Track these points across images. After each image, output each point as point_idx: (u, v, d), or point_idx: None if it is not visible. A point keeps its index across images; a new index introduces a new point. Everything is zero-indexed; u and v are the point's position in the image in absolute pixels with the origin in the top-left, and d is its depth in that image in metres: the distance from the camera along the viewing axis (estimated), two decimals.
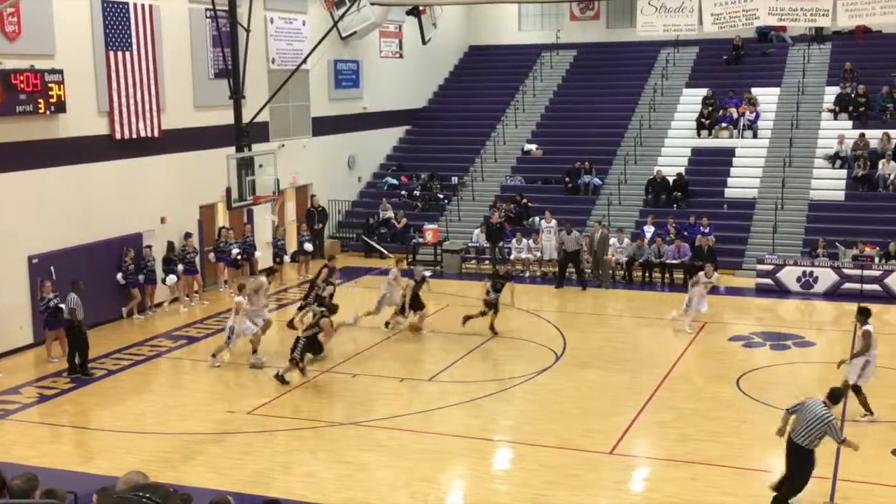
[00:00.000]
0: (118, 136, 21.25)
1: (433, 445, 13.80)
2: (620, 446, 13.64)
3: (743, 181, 28.61)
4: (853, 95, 30.10)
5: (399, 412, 15.14)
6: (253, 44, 20.70)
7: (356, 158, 31.49)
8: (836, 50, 32.69)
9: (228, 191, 18.74)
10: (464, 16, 37.88)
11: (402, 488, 12.38)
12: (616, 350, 18.93)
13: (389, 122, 33.55)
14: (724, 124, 30.65)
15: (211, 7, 21.12)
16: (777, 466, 13.15)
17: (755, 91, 31.52)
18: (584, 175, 29.77)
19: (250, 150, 19.33)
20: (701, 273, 20.63)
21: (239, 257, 24.20)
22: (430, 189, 31.06)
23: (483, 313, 19.70)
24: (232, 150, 19.17)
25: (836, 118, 30.03)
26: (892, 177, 26.97)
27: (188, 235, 22.94)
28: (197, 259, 22.99)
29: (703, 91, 31.87)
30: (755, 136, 30.20)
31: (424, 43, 31.95)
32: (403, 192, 31.12)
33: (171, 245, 22.43)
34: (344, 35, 29.29)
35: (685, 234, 25.77)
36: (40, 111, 19.02)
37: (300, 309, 19.27)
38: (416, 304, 19.89)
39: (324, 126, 29.15)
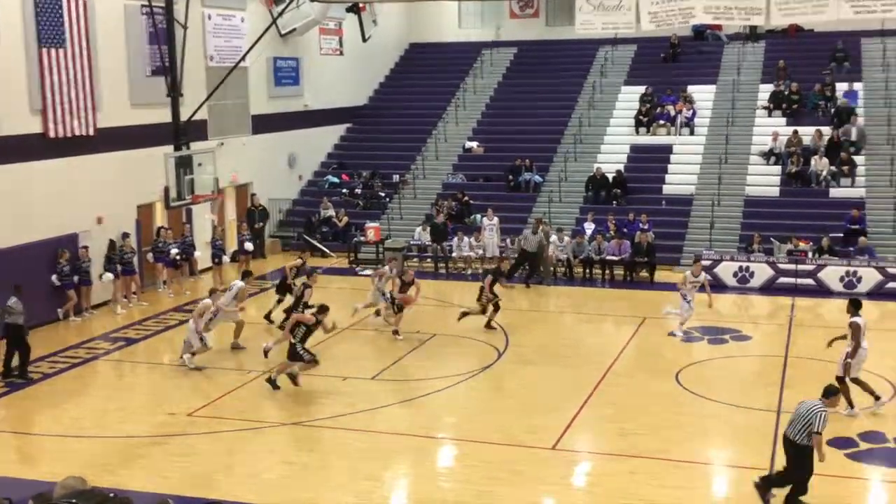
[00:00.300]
0: (52, 134, 20.82)
1: (377, 444, 13.79)
2: (563, 441, 13.76)
3: (680, 178, 29.03)
4: (787, 93, 30.72)
5: (342, 411, 15.09)
6: (190, 41, 20.49)
7: (297, 157, 31.29)
8: (770, 48, 33.33)
9: (167, 190, 18.53)
10: (404, 13, 37.85)
11: (345, 487, 12.34)
12: (558, 346, 19.09)
13: (330, 120, 33.40)
14: (661, 122, 31.07)
15: (147, 3, 20.82)
16: (716, 459, 13.44)
17: (692, 88, 32.00)
18: (524, 172, 29.96)
19: (189, 148, 19.13)
20: (688, 272, 20.37)
21: (178, 257, 23.89)
22: (371, 187, 30.99)
23: (483, 310, 19.85)
24: (170, 148, 18.95)
25: (770, 115, 30.63)
26: (823, 173, 27.58)
27: (126, 235, 22.59)
28: (135, 259, 22.64)
29: (642, 89, 32.29)
30: (692, 133, 30.67)
31: (365, 40, 31.86)
32: (345, 191, 31.00)
33: (112, 243, 22.07)
34: (283, 32, 29.08)
35: (625, 230, 26.07)
36: None
37: (279, 302, 19.81)
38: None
39: (264, 124, 28.90)
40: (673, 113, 31.13)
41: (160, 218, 24.34)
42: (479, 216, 27.74)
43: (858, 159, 27.94)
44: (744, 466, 12.79)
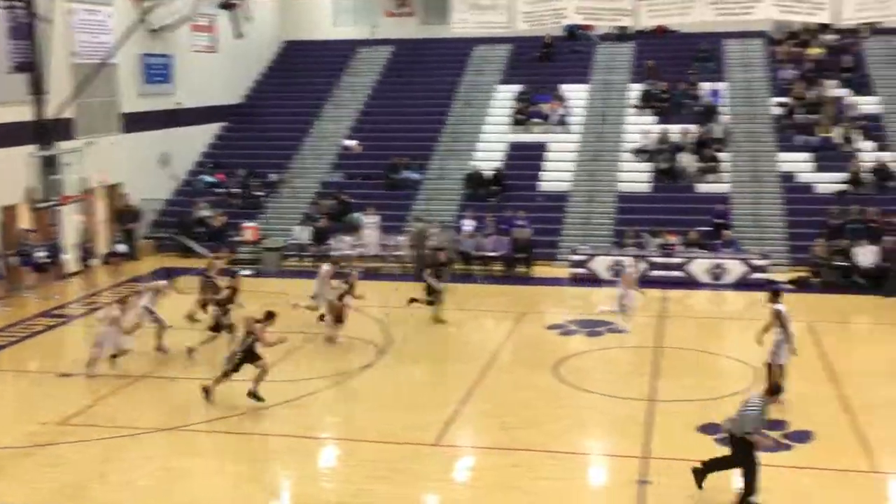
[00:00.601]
0: None
1: (257, 447, 13.62)
2: (444, 437, 13.86)
3: (556, 175, 29.59)
4: (655, 92, 31.68)
5: (222, 415, 14.82)
6: (55, 36, 19.73)
7: (170, 156, 30.54)
8: (640, 48, 34.28)
9: (31, 191, 17.83)
10: (278, 10, 37.42)
11: (226, 492, 12.14)
12: (438, 343, 19.21)
13: (205, 119, 32.72)
14: (536, 120, 31.61)
15: None
16: (593, 449, 13.77)
17: (566, 87, 32.65)
18: (403, 170, 30.02)
19: (55, 148, 18.44)
20: (629, 269, 20.56)
21: (45, 261, 23.00)
22: (248, 187, 30.50)
23: (431, 302, 19.97)
24: (34, 148, 18.24)
25: (640, 113, 31.52)
26: (690, 169, 28.57)
27: None
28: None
29: (517, 87, 32.77)
30: (566, 130, 31.29)
31: (238, 37, 31.35)
32: (221, 190, 30.44)
33: None
34: (153, 28, 28.34)
35: (503, 227, 26.42)
36: None
37: (203, 306, 19.39)
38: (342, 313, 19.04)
39: (135, 122, 28.08)
40: (547, 111, 31.70)
41: (25, 220, 23.37)
42: (358, 215, 27.66)
43: (723, 156, 29.06)
44: (620, 455, 13.19)
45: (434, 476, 12.63)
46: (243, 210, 29.42)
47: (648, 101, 31.61)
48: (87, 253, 24.21)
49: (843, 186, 27.10)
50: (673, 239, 25.28)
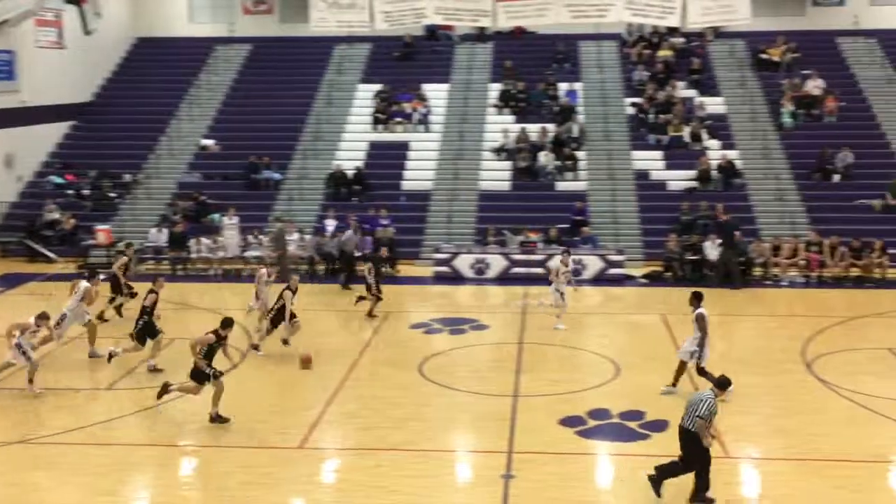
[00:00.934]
0: None
1: (115, 458, 13.09)
2: (309, 440, 13.71)
3: (418, 174, 29.71)
4: (514, 92, 32.20)
5: (75, 425, 14.22)
6: None
7: (14, 156, 29.16)
8: (499, 49, 34.77)
9: None
10: (130, 6, 36.26)
11: None
12: (303, 344, 18.96)
13: (52, 117, 31.40)
14: (398, 119, 31.64)
15: None
16: (458, 445, 13.87)
17: (427, 87, 32.81)
18: (263, 170, 29.55)
19: None
20: (557, 264, 20.39)
21: None
22: (100, 188, 29.41)
23: (377, 298, 20.38)
24: None
25: (500, 113, 31.98)
26: (549, 167, 29.17)
27: None
28: None
29: (378, 86, 32.74)
30: (428, 130, 31.46)
31: (87, 33, 30.20)
32: (71, 192, 29.24)
33: None
34: None
35: (366, 226, 26.34)
36: None
37: (111, 301, 19.90)
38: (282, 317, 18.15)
39: None
40: (409, 110, 31.78)
41: None
42: (218, 215, 27.07)
43: (580, 154, 29.79)
44: (484, 451, 13.35)
45: (301, 480, 12.46)
46: (96, 212, 28.37)
47: (507, 101, 32.09)
48: None
49: (693, 184, 28.20)
50: (534, 236, 25.74)
